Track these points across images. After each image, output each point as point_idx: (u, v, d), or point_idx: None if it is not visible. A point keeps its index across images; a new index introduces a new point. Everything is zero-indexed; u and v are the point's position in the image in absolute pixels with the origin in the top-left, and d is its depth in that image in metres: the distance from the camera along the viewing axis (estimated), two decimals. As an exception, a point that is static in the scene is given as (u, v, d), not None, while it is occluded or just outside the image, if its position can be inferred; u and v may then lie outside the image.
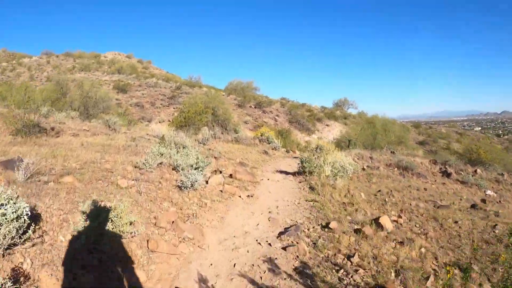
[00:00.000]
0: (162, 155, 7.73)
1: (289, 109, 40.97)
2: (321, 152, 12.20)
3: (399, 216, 7.09)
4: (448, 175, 14.80)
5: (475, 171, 15.87)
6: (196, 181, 6.76)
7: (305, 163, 10.55)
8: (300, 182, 9.76)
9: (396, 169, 14.50)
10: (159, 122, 33.92)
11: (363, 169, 13.32)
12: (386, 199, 8.75)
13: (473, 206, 9.38)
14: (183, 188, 6.69)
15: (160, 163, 7.58)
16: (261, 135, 18.50)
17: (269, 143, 17.59)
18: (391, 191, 9.80)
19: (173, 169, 7.73)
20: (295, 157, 15.63)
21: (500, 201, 11.52)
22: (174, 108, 35.10)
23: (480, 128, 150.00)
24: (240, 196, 7.62)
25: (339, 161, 9.86)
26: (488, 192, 12.54)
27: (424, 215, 7.72)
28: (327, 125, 42.16)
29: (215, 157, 10.93)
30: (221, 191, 7.52)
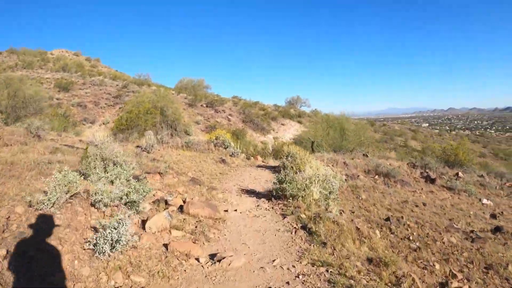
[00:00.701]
0: (70, 183, 4.73)
1: (242, 108, 38.75)
2: (293, 161, 10.04)
3: (456, 277, 4.92)
4: (432, 180, 13.14)
5: (457, 174, 14.36)
6: (119, 241, 4.08)
7: (286, 183, 7.44)
8: (284, 216, 6.57)
9: (376, 176, 12.64)
10: (103, 123, 30.86)
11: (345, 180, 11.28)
12: (407, 234, 6.71)
13: (498, 229, 7.54)
14: (98, 254, 3.97)
15: (73, 196, 4.79)
16: (216, 139, 15.98)
17: (225, 148, 15.13)
18: (402, 217, 7.72)
19: (91, 205, 4.93)
20: (259, 166, 13.23)
21: (502, 212, 9.89)
22: (120, 108, 31.95)
23: (427, 124, 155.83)
24: (198, 260, 4.58)
25: (322, 174, 7.54)
26: (484, 201, 10.93)
27: (472, 261, 5.77)
28: (283, 124, 40.36)
29: (159, 173, 8.36)
30: (166, 249, 4.65)
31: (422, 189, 12.08)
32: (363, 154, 17.22)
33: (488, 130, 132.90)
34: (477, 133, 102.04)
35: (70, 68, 51.58)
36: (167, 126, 26.80)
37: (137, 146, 12.46)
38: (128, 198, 5.11)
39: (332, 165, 13.18)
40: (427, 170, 14.55)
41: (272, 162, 14.65)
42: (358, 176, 12.11)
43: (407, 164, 15.58)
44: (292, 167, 8.93)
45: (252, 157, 15.15)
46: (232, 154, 14.02)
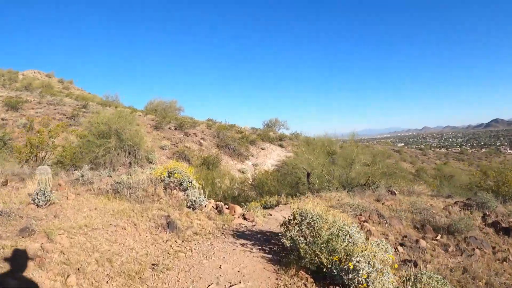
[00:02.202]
0: None
1: (216, 131, 33.68)
2: (311, 229, 5.03)
3: None
4: (506, 231, 8.45)
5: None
6: None
7: None
8: None
9: (439, 236, 7.81)
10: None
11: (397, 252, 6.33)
12: None
13: None
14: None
15: None
16: (170, 176, 10.45)
17: (184, 191, 9.74)
18: None
19: None
20: (239, 234, 6.98)
21: None
22: (72, 130, 26.49)
23: (403, 144, 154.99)
24: None
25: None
26: None
27: None
28: (262, 149, 35.41)
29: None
30: None
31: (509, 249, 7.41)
32: (389, 191, 12.51)
33: (463, 147, 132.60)
34: (457, 151, 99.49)
35: (33, 87, 46.21)
36: (125, 152, 21.67)
37: (29, 194, 7.28)
38: None
39: (361, 218, 8.26)
40: (486, 212, 9.85)
41: (260, 219, 8.95)
42: (416, 241, 7.22)
43: (454, 203, 10.94)
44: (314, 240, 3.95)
45: (227, 209, 9.48)
46: (192, 204, 8.59)
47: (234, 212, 8.79)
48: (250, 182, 21.76)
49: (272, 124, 55.18)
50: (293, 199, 11.19)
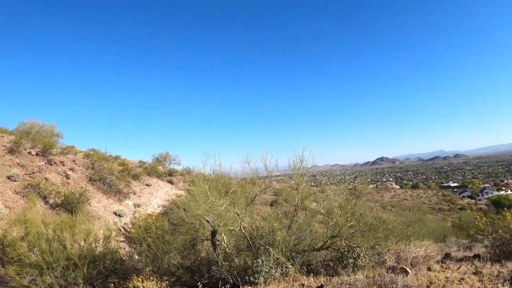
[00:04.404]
0: None
1: (92, 162, 27.60)
2: None
3: None
4: None
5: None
6: None
7: None
8: None
9: None
10: None
11: None
12: None
13: None
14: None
15: None
16: None
17: None
18: None
19: None
20: None
21: None
22: None
23: (293, 182, 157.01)
24: None
25: None
26: None
27: None
28: (148, 185, 30.04)
29: None
30: None
31: None
32: (392, 268, 8.50)
33: (352, 183, 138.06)
34: (349, 187, 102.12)
35: None
36: None
37: None
38: None
39: None
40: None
41: None
42: None
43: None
44: None
45: None
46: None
47: None
48: (124, 234, 16.59)
49: (163, 158, 50.08)
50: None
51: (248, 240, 11.22)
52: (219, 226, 11.04)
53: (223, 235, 11.47)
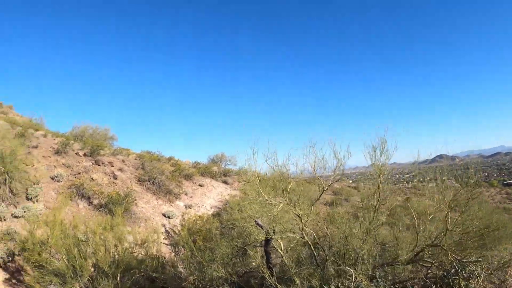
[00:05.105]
0: None
1: (142, 162, 26.34)
2: None
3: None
4: None
5: None
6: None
7: None
8: None
9: None
10: None
11: None
12: None
13: None
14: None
15: None
16: None
17: None
18: None
19: None
20: None
21: None
22: None
23: (351, 181, 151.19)
24: None
25: None
26: None
27: None
28: (201, 185, 28.40)
29: None
30: None
31: None
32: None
33: (411, 182, 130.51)
34: (409, 186, 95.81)
35: None
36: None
37: None
38: None
39: None
40: None
41: None
42: None
43: None
44: None
45: None
46: None
47: None
48: (172, 237, 14.84)
49: (218, 159, 48.74)
50: None
51: (312, 250, 8.85)
52: (274, 232, 8.78)
53: (280, 241, 9.24)
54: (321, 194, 9.28)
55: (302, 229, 8.82)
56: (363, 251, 7.70)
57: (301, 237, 8.78)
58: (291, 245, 10.01)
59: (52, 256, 9.31)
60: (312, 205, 9.00)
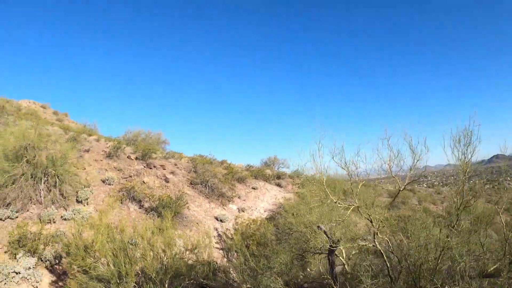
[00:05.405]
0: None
1: (194, 165, 25.77)
2: None
3: None
4: None
5: None
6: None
7: None
8: None
9: None
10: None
11: None
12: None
13: None
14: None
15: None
16: None
17: None
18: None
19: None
20: None
21: None
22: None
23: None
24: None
25: None
26: None
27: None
28: (254, 188, 27.43)
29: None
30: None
31: None
32: None
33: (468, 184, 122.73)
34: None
35: (6, 111, 39.07)
36: (38, 183, 14.16)
37: None
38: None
39: None
40: None
41: None
42: None
43: None
44: None
45: None
46: None
47: None
48: (225, 241, 13.93)
49: (271, 162, 47.87)
50: None
51: (384, 260, 7.48)
52: (339, 239, 7.54)
53: (341, 248, 7.98)
54: (397, 195, 7.92)
55: (374, 235, 7.50)
56: (461, 263, 6.20)
57: (373, 245, 7.46)
58: (353, 252, 8.80)
59: (96, 261, 8.58)
60: (388, 208, 7.67)
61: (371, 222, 7.40)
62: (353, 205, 7.25)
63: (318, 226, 7.64)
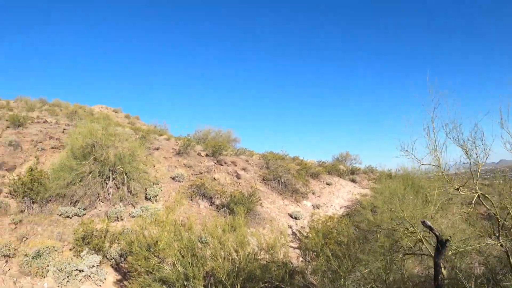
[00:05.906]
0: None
1: (266, 161, 24.73)
2: None
3: None
4: None
5: None
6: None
7: None
8: None
9: None
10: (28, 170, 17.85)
11: None
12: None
13: None
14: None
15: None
16: None
17: None
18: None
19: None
20: None
21: None
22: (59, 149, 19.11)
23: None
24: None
25: None
26: None
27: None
28: (328, 184, 25.91)
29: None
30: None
31: None
32: None
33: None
34: None
35: (79, 115, 40.84)
36: (107, 181, 13.76)
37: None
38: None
39: None
40: None
41: None
42: None
43: None
44: None
45: None
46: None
47: None
48: (300, 240, 12.72)
49: (343, 158, 46.10)
50: None
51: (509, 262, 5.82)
52: (449, 237, 6.02)
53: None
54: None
55: (499, 232, 5.90)
56: None
57: (500, 245, 5.83)
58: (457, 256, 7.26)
59: (161, 262, 7.70)
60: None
61: (495, 215, 5.79)
62: (477, 192, 5.67)
63: (423, 221, 6.15)
